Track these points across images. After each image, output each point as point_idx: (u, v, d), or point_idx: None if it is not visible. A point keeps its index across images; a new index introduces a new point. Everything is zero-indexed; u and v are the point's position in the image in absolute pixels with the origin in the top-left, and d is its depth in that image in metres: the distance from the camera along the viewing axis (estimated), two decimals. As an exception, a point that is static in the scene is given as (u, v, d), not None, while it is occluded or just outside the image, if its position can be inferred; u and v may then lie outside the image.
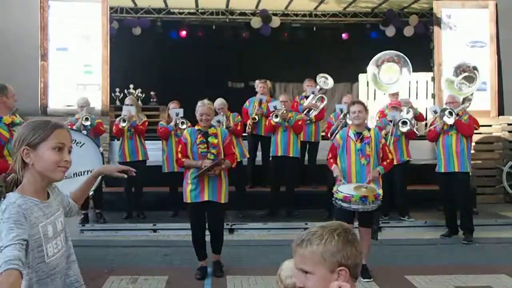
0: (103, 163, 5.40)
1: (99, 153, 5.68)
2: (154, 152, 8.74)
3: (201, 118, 5.74)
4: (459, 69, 8.44)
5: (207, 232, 5.97)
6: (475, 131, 7.79)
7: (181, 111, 8.18)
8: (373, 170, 5.72)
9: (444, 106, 7.46)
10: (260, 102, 9.02)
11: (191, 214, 5.91)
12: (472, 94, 8.52)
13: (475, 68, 8.37)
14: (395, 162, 7.89)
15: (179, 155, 5.79)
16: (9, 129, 5.15)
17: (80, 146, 5.45)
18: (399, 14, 13.76)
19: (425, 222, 8.25)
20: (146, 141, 8.43)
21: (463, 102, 8.14)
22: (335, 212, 5.88)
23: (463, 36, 10.44)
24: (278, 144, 8.26)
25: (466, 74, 8.34)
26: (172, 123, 8.20)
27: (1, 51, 9.66)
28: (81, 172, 5.19)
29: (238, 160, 6.87)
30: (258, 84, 9.35)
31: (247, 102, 9.24)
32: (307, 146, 9.27)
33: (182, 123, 8.09)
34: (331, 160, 5.89)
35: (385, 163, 5.85)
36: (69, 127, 5.77)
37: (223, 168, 5.73)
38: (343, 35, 14.41)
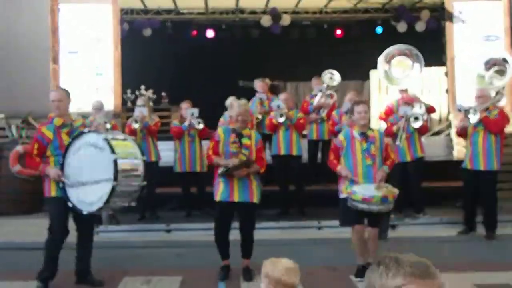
0: (115, 173, 5.03)
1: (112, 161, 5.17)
2: (167, 152, 8.74)
3: (237, 119, 5.68)
4: (488, 64, 8.32)
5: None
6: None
7: (196, 111, 8.16)
8: (378, 170, 5.65)
9: (475, 101, 7.27)
10: (261, 101, 9.01)
11: (218, 213, 5.81)
12: (504, 88, 8.39)
13: (505, 60, 8.22)
14: (409, 159, 7.91)
15: (210, 152, 5.73)
16: (56, 131, 5.39)
17: (102, 152, 5.15)
18: (410, 9, 13.65)
19: (441, 219, 8.15)
20: (158, 142, 8.44)
21: (494, 97, 8.02)
22: (342, 212, 5.77)
23: (476, 30, 10.31)
24: (280, 143, 8.21)
25: (496, 68, 8.22)
26: (186, 123, 8.17)
27: (12, 55, 9.72)
28: (99, 180, 5.11)
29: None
30: (257, 84, 9.31)
31: (250, 103, 9.19)
32: (320, 144, 9.23)
33: (199, 123, 8.06)
34: (334, 162, 5.78)
35: (388, 162, 5.78)
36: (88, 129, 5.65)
37: (251, 172, 5.65)
38: (354, 31, 14.31)
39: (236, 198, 5.60)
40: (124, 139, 5.57)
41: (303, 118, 8.35)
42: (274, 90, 10.79)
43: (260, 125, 9.03)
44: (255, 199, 5.70)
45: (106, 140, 5.14)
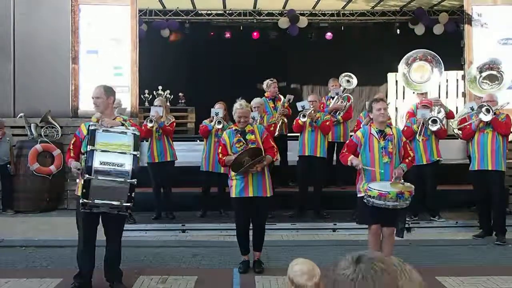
0: (86, 166, 4.84)
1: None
2: (182, 153, 8.80)
3: (239, 120, 5.94)
4: (486, 66, 8.28)
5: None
6: None
7: (220, 111, 8.20)
8: (395, 168, 5.64)
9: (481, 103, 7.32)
10: (289, 101, 9.03)
11: (236, 208, 6.07)
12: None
13: (502, 71, 8.20)
14: (425, 162, 7.89)
15: (220, 155, 5.99)
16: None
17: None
18: (428, 12, 13.59)
19: (456, 222, 8.12)
20: (173, 142, 8.50)
21: None
22: (359, 212, 5.80)
23: (494, 33, 10.23)
24: (305, 144, 8.24)
25: (492, 72, 8.18)
26: (212, 123, 8.22)
27: (32, 54, 9.85)
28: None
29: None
30: (271, 84, 9.24)
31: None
32: (336, 146, 9.23)
33: (219, 122, 8.09)
34: (346, 153, 5.76)
35: (407, 160, 5.76)
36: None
37: (265, 165, 5.88)
38: (371, 34, 14.26)
39: (250, 193, 5.85)
40: (122, 132, 5.12)
41: (329, 121, 8.37)
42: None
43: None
44: (268, 193, 5.95)
45: (91, 131, 4.95)
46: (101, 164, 4.85)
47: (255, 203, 5.92)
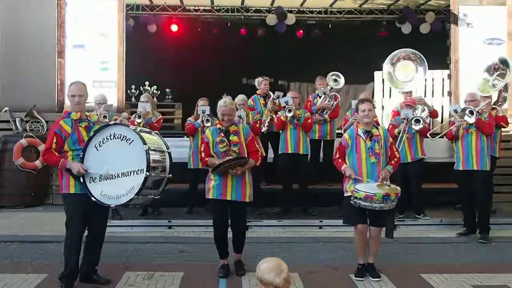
0: (148, 163, 4.92)
1: (144, 151, 4.96)
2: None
3: (223, 118, 5.69)
4: (491, 70, 8.39)
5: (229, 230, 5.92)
6: (504, 129, 7.97)
7: (207, 109, 8.15)
8: (382, 168, 5.67)
9: (464, 105, 7.40)
10: (264, 100, 9.06)
11: (213, 211, 5.84)
12: (506, 88, 8.47)
13: (502, 61, 8.29)
14: (409, 160, 7.97)
15: (203, 154, 5.75)
16: (74, 125, 5.15)
17: (130, 144, 5.06)
18: (415, 11, 13.68)
19: (440, 220, 8.20)
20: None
21: (498, 100, 8.14)
22: (346, 211, 5.80)
23: (480, 33, 10.37)
24: (288, 141, 8.24)
25: (498, 72, 8.31)
26: (199, 121, 8.18)
27: (18, 48, 9.77)
28: (128, 172, 4.98)
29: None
30: (262, 81, 9.26)
31: (251, 101, 9.12)
32: (322, 144, 9.27)
33: (207, 120, 8.07)
34: (340, 160, 5.79)
35: (393, 162, 5.79)
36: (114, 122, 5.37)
37: (247, 169, 5.66)
38: (358, 32, 14.32)
39: (228, 196, 5.63)
40: (149, 132, 5.42)
41: (311, 118, 8.40)
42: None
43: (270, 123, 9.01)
44: (247, 198, 5.72)
45: (137, 132, 5.05)
46: (153, 162, 5.02)
47: (233, 207, 5.71)
